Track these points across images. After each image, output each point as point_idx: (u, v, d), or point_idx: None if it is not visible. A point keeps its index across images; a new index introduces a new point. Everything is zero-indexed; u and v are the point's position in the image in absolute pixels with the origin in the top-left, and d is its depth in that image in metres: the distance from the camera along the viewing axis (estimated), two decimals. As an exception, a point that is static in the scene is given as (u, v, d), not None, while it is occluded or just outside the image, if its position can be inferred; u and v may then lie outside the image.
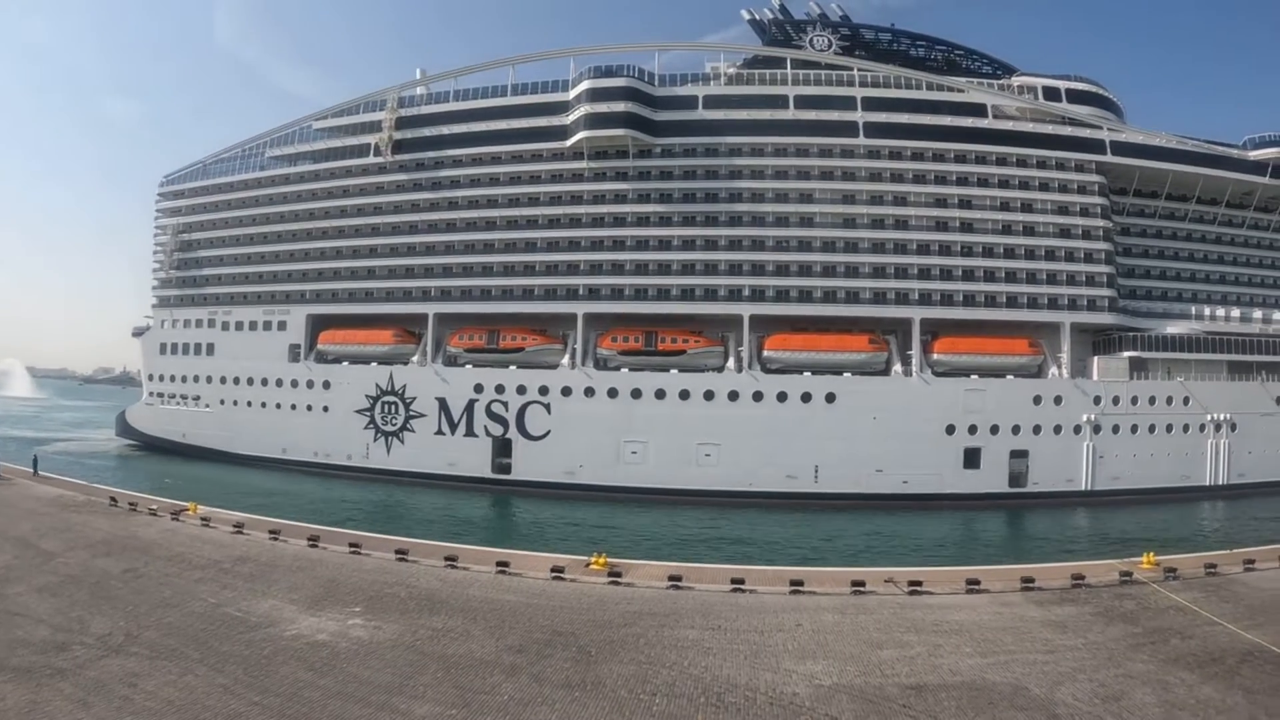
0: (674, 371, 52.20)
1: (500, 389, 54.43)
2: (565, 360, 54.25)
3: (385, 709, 13.84)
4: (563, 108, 56.97)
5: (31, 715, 13.35)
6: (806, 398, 50.99)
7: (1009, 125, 55.75)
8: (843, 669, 16.50)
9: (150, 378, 70.93)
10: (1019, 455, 52.31)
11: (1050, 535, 44.90)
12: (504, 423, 54.34)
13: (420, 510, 48.34)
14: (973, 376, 52.26)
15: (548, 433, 53.50)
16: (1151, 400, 54.82)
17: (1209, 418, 55.93)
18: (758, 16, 58.94)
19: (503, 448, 54.50)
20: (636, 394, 52.09)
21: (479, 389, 54.93)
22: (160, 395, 69.43)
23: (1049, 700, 15.15)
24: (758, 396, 51.18)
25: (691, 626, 19.16)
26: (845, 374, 51.48)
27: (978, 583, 23.37)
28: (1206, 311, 59.11)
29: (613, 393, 52.52)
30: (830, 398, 50.92)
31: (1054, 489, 52.34)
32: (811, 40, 57.83)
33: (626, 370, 52.84)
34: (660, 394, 51.78)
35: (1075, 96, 57.58)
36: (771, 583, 23.36)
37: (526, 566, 24.53)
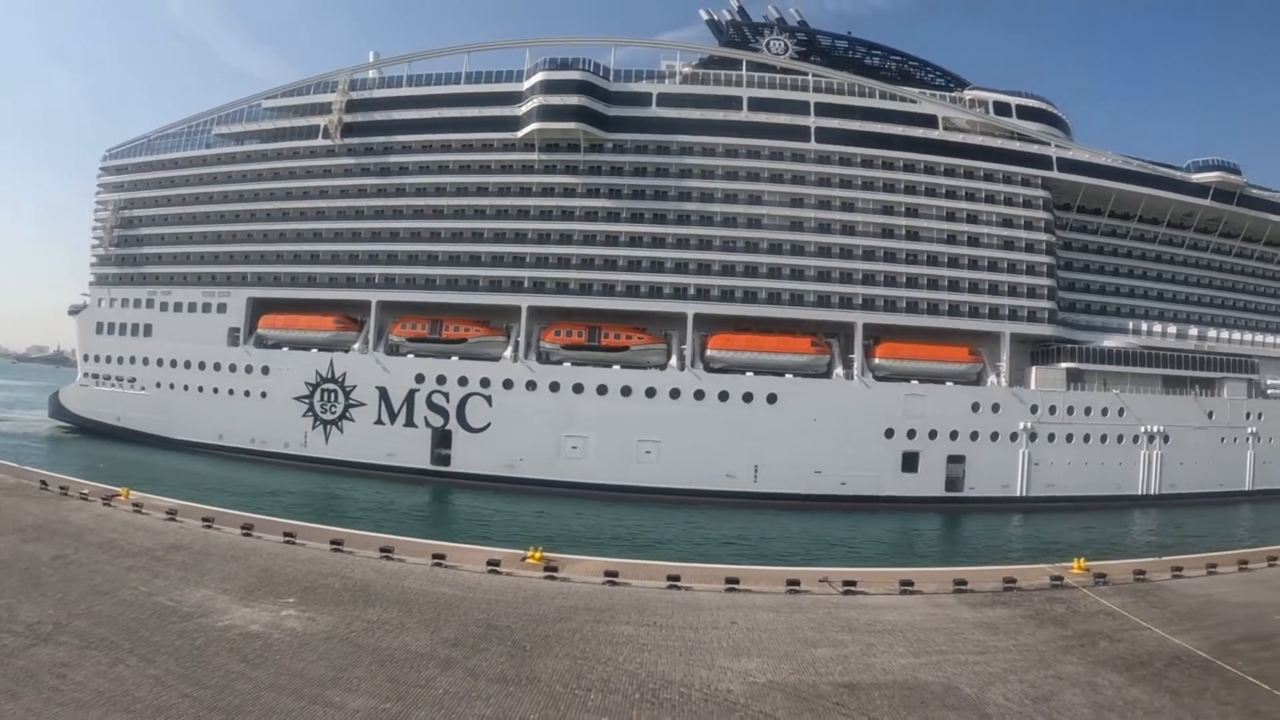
0: (616, 367, 51.83)
1: (442, 380, 53.54)
2: (508, 353, 53.55)
3: (319, 702, 13.46)
4: (516, 98, 56.32)
5: (-42, 707, 12.57)
6: (748, 398, 50.98)
7: (959, 137, 56.56)
8: (777, 667, 16.50)
9: (85, 358, 68.60)
10: (956, 460, 52.95)
11: (984, 539, 45.63)
12: (444, 414, 53.46)
13: (358, 501, 47.38)
14: (913, 382, 52.80)
15: (488, 425, 52.77)
16: (1087, 411, 55.90)
17: (1143, 429, 57.26)
18: (716, 17, 59.02)
19: (443, 439, 53.61)
20: (578, 389, 51.61)
21: (420, 379, 53.97)
22: (95, 376, 67.14)
23: (980, 700, 15.23)
24: (699, 395, 51.03)
25: (627, 622, 19.03)
26: (787, 375, 51.63)
27: (911, 584, 23.56)
28: (1144, 327, 60.60)
29: (554, 387, 51.98)
30: (772, 398, 50.96)
31: (990, 494, 53.12)
32: (768, 44, 57.98)
33: (569, 365, 52.33)
34: (602, 389, 51.36)
35: (1025, 113, 58.62)
36: (707, 580, 23.29)
37: (462, 559, 24.22)
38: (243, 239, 62.63)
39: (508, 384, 52.59)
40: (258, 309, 60.88)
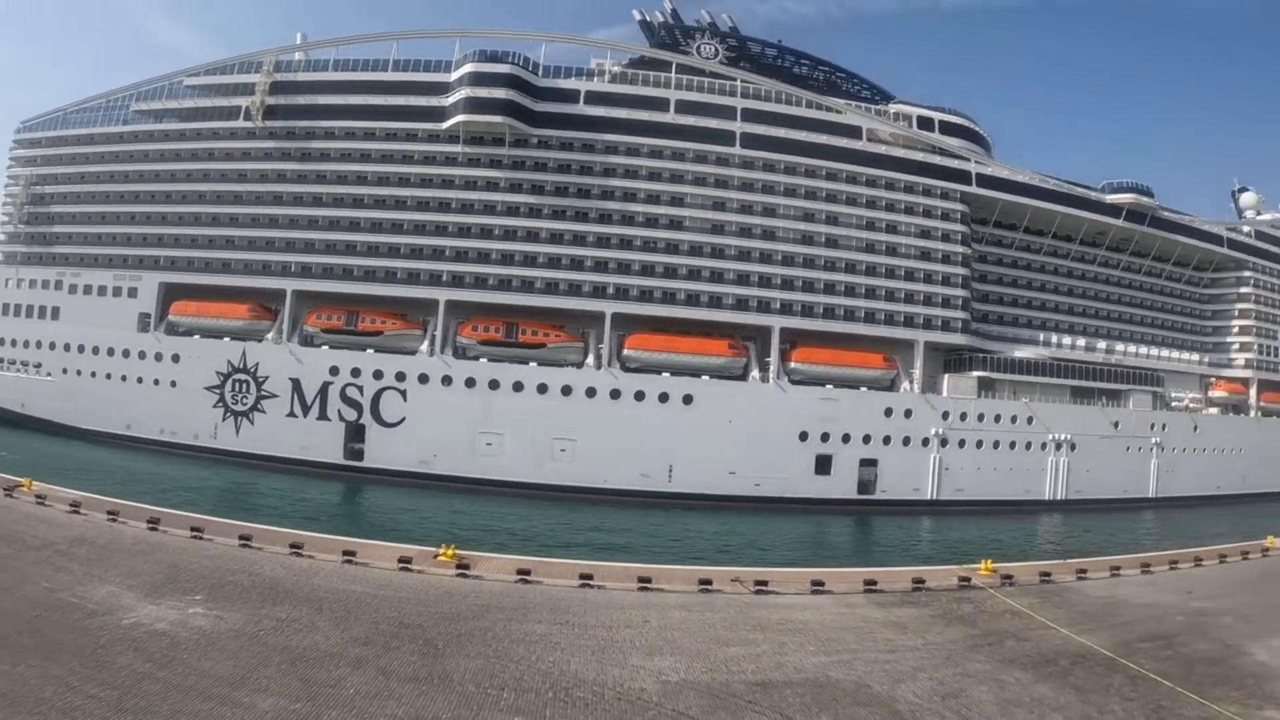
0: (533, 365, 51.42)
1: (356, 372, 52.39)
2: (424, 347, 52.70)
3: (227, 703, 13.05)
4: (443, 88, 55.45)
5: None
6: (664, 398, 51.10)
7: (882, 149, 57.65)
8: (690, 665, 16.53)
9: (-12, 341, 65.27)
10: (869, 464, 53.94)
11: (895, 541, 46.51)
12: (359, 407, 52.32)
13: (268, 495, 46.11)
14: (827, 386, 53.60)
15: (403, 420, 51.82)
16: (997, 418, 57.54)
17: (1050, 437, 59.18)
18: (648, 18, 59.02)
19: (356, 433, 52.47)
20: (494, 385, 51.08)
21: (334, 371, 52.74)
22: (-1, 360, 64.00)
23: (890, 697, 15.44)
24: (615, 394, 50.95)
25: (540, 621, 18.83)
26: (703, 377, 51.87)
27: (822, 584, 23.77)
28: (1054, 339, 62.71)
29: (470, 383, 51.34)
30: (687, 399, 51.17)
31: (901, 497, 54.31)
32: (699, 47, 58.22)
33: (485, 360, 51.75)
34: (518, 386, 50.92)
35: (947, 128, 60.08)
36: (620, 579, 23.23)
37: (373, 556, 23.68)
38: (157, 221, 60.30)
39: (423, 379, 51.74)
40: (170, 294, 58.72)
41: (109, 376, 58.69)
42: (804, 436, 52.63)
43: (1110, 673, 17.77)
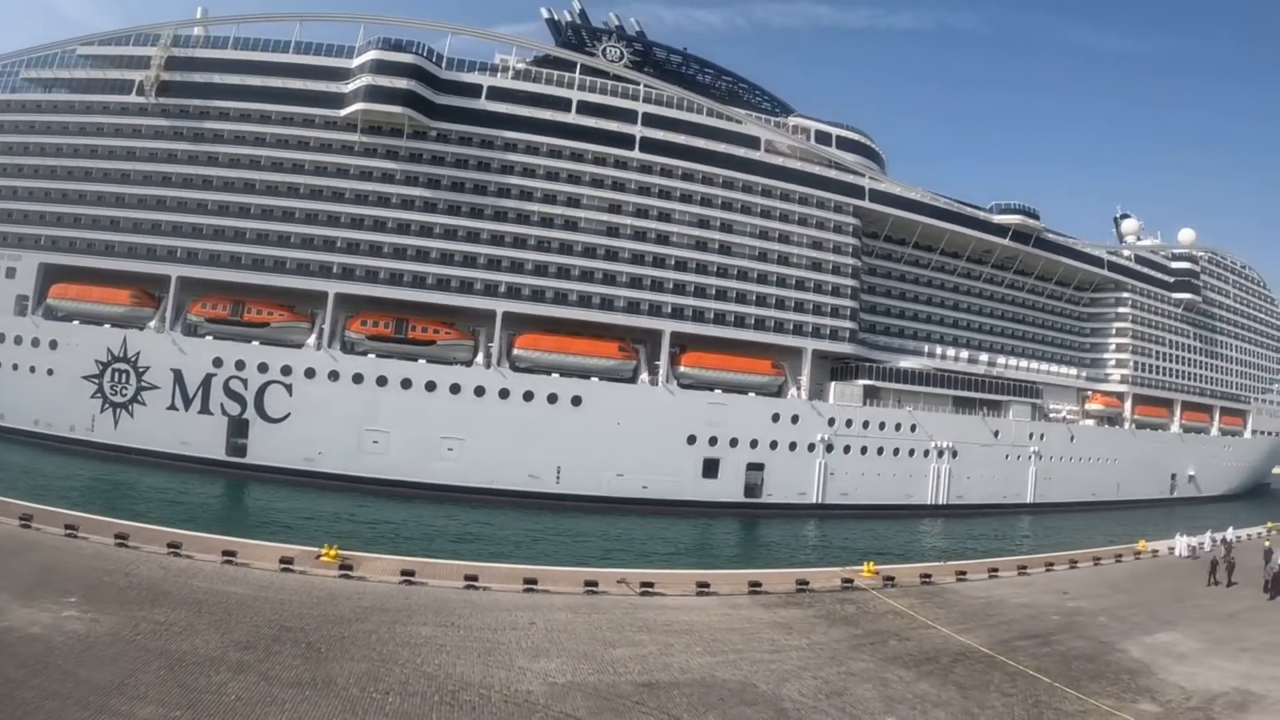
0: (422, 362, 51.01)
1: (241, 365, 51.03)
2: (311, 340, 51.71)
3: (105, 711, 12.63)
4: (344, 74, 54.23)
5: None
6: (553, 399, 51.50)
7: (779, 160, 59.13)
8: (576, 667, 16.59)
9: None
10: (756, 468, 55.46)
11: (780, 543, 47.73)
12: (242, 401, 51.00)
13: (147, 491, 44.24)
14: (716, 391, 54.87)
15: (288, 415, 50.69)
16: (881, 425, 59.94)
17: (933, 444, 61.97)
18: (556, 17, 59.00)
19: (239, 428, 51.16)
20: (382, 381, 50.56)
21: (218, 363, 51.21)
22: None
23: (776, 695, 15.77)
24: (504, 394, 51.11)
25: (425, 623, 18.76)
26: (593, 379, 52.39)
27: (708, 585, 24.24)
28: (939, 350, 65.66)
29: (358, 378, 50.64)
30: (576, 401, 51.71)
31: (787, 501, 55.95)
32: (605, 49, 58.49)
33: (374, 356, 51.08)
34: (406, 383, 50.53)
35: (844, 143, 62.08)
36: (505, 580, 23.26)
37: (254, 556, 23.26)
38: (39, 197, 57.19)
39: (309, 373, 50.80)
40: (50, 276, 55.82)
41: (-20, 361, 55.75)
42: (692, 440, 53.80)
43: (990, 670, 18.57)
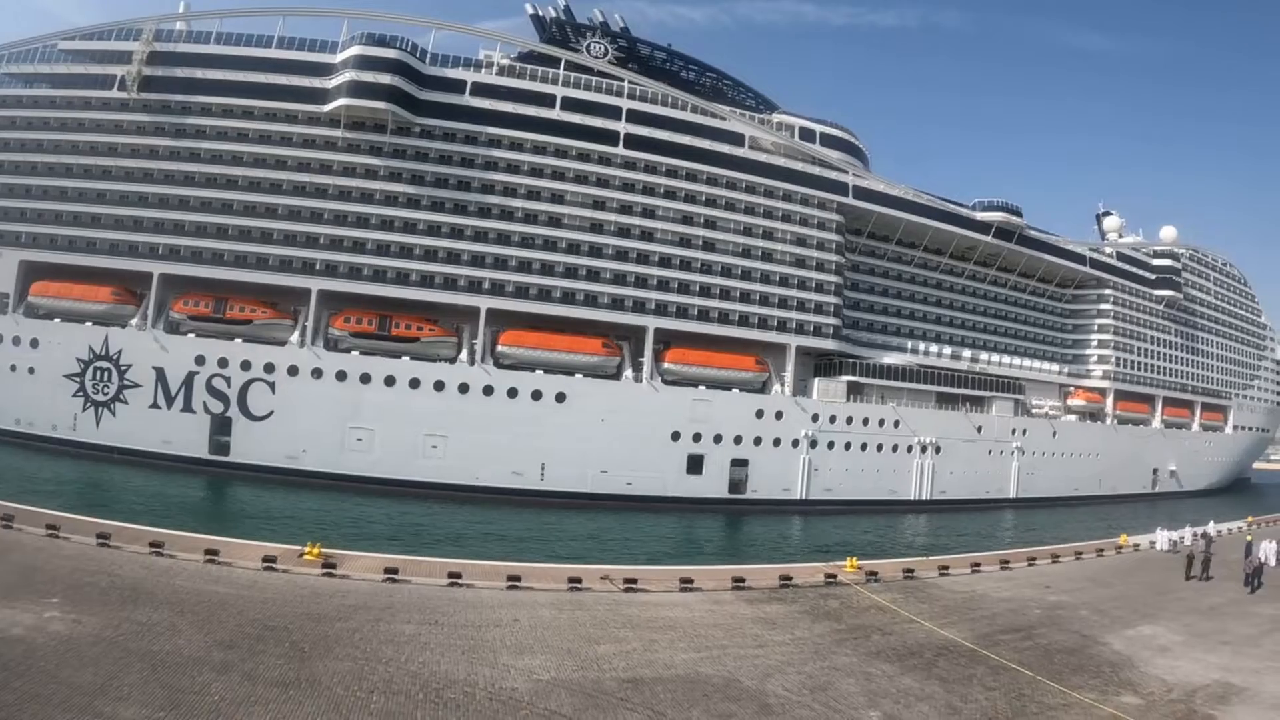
0: (406, 359, 51.00)
1: (223, 363, 50.83)
2: (294, 337, 51.58)
3: (88, 713, 12.50)
4: (327, 70, 54.05)
5: None
6: (537, 396, 51.60)
7: (763, 157, 59.41)
8: (560, 664, 16.59)
9: None
10: (740, 464, 55.74)
11: (765, 539, 47.90)
12: (225, 399, 50.83)
13: (129, 491, 43.92)
14: (700, 387, 55.11)
15: (271, 413, 50.56)
16: (865, 421, 60.35)
17: (916, 440, 62.46)
18: (540, 12, 58.96)
19: (222, 426, 50.96)
20: (366, 379, 50.51)
21: (201, 361, 51.02)
22: None
23: (760, 691, 15.79)
24: (488, 391, 51.17)
25: (409, 621, 18.69)
26: (577, 375, 52.55)
27: (691, 581, 24.24)
28: (922, 347, 66.16)
29: (341, 376, 50.57)
30: (560, 397, 51.83)
31: (771, 497, 56.24)
32: (589, 46, 58.57)
33: (357, 353, 51.01)
34: (390, 381, 50.51)
35: (828, 140, 62.38)
36: (489, 578, 23.24)
37: (237, 555, 23.16)
38: (20, 194, 56.82)
39: (293, 370, 50.71)
40: (31, 274, 55.47)
41: (-40, 360, 55.29)
42: (676, 436, 54.04)
43: (973, 664, 18.68)
